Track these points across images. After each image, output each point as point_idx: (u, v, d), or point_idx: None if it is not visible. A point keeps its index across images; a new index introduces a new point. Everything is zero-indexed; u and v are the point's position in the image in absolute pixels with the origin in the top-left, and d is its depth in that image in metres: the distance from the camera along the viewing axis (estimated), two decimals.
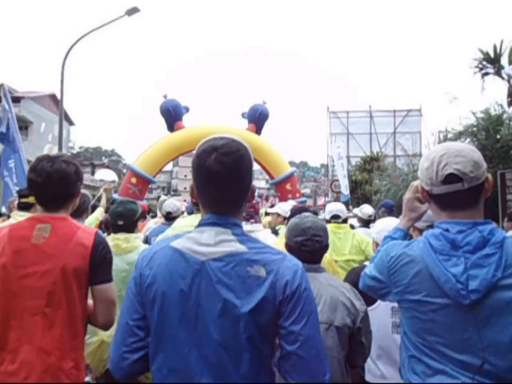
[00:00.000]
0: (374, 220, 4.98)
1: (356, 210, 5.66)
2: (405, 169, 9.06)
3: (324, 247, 1.96)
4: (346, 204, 13.04)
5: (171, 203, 5.06)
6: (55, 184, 1.72)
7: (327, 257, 2.67)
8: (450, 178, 1.21)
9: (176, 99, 14.11)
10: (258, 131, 14.64)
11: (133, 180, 13.39)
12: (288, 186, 14.32)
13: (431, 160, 1.26)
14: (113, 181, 7.43)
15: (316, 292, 1.75)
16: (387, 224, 2.34)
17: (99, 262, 1.69)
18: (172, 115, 13.83)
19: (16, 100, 24.89)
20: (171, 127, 14.07)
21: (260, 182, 64.48)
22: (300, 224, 1.94)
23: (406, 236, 1.55)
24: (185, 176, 73.68)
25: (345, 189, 10.94)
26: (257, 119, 14.40)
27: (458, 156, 1.21)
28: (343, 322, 1.75)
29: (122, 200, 3.03)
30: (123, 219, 2.76)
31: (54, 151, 28.50)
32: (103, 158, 56.01)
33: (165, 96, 13.99)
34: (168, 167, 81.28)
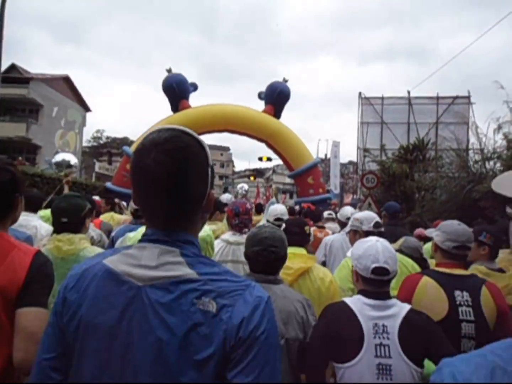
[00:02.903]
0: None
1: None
2: (470, 159, 6.67)
3: (280, 259, 1.94)
4: (326, 204, 11.44)
5: None
6: None
7: (332, 281, 2.39)
8: None
9: (181, 73, 12.12)
10: (277, 113, 12.46)
11: (128, 166, 11.55)
12: (309, 180, 12.08)
13: None
14: (72, 166, 6.94)
15: None
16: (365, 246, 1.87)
17: (31, 284, 1.45)
18: (177, 93, 11.85)
19: (25, 81, 23.70)
20: (175, 107, 12.12)
21: (285, 178, 62.09)
22: (258, 234, 1.96)
23: None
24: None
25: (334, 187, 10.80)
26: (276, 99, 12.21)
27: None
28: (295, 336, 1.76)
29: (67, 195, 2.85)
30: (67, 216, 2.41)
31: (67, 137, 27.34)
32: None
33: (168, 71, 12.02)
34: None
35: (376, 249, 1.81)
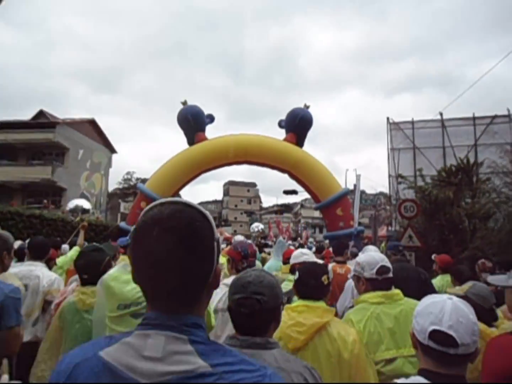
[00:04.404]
0: None
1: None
2: None
3: (268, 310, 1.55)
4: (359, 238, 10.64)
5: None
6: None
7: (356, 341, 1.97)
8: None
9: (197, 105, 11.60)
10: (299, 142, 11.61)
11: (143, 204, 10.88)
12: (338, 211, 10.96)
13: None
14: (87, 211, 6.96)
15: None
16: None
17: None
18: (192, 125, 11.29)
19: (52, 125, 24.30)
20: (192, 140, 11.53)
21: (313, 212, 60.54)
22: (241, 278, 1.63)
23: None
24: (236, 206, 72.38)
25: (356, 222, 10.43)
26: (298, 126, 11.41)
27: None
28: None
29: (85, 250, 2.80)
30: (86, 273, 2.56)
31: (93, 178, 27.57)
32: None
33: (184, 103, 11.55)
34: (219, 196, 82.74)
35: (442, 307, 1.35)
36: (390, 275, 2.51)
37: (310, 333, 1.99)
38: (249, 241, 3.12)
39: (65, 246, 6.16)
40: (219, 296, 2.80)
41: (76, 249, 5.12)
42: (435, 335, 1.31)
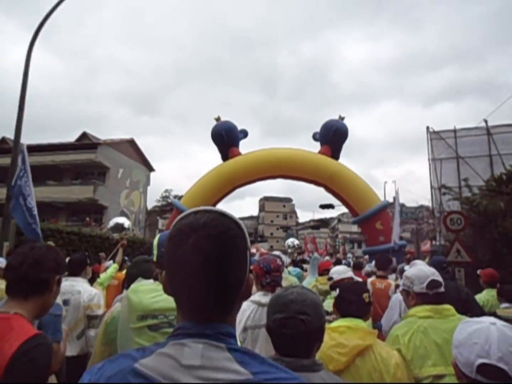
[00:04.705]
0: None
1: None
2: None
3: (313, 331, 1.46)
4: (401, 253, 10.03)
5: None
6: (28, 267, 1.58)
7: (399, 364, 1.91)
8: None
9: (230, 121, 11.65)
10: (334, 154, 11.33)
11: None
12: (378, 225, 10.50)
13: None
14: (127, 229, 7.13)
15: None
16: None
17: (8, 375, 1.33)
18: (226, 140, 11.34)
19: (93, 146, 25.44)
20: (225, 155, 11.56)
21: (351, 226, 58.99)
22: (282, 296, 1.54)
23: None
24: (272, 221, 72.03)
25: (397, 237, 9.72)
26: (332, 138, 11.16)
27: None
28: None
29: (137, 260, 2.86)
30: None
31: (132, 196, 28.38)
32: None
33: (217, 119, 11.65)
34: (255, 212, 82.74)
35: (487, 336, 1.21)
36: (442, 289, 2.40)
37: (352, 355, 1.92)
38: (284, 255, 3.10)
39: (109, 263, 6.34)
40: (247, 313, 2.77)
41: (114, 266, 5.26)
42: (484, 369, 1.20)
